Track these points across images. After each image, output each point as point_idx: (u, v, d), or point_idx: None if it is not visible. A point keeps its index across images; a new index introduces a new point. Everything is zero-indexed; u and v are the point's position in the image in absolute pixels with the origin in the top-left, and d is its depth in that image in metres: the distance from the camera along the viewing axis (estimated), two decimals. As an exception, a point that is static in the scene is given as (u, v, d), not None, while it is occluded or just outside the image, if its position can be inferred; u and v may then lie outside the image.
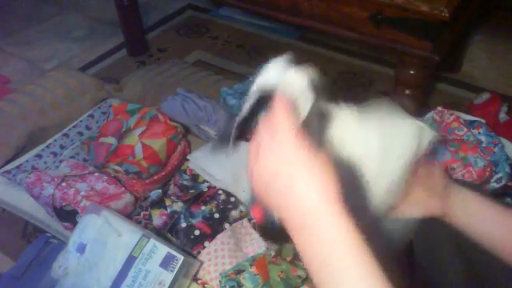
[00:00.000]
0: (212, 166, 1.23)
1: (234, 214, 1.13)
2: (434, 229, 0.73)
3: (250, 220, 1.16)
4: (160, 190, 1.20)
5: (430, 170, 0.62)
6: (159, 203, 1.16)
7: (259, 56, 1.90)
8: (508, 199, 1.14)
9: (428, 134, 0.60)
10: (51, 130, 1.42)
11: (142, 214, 1.21)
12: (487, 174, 1.09)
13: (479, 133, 1.17)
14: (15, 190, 1.25)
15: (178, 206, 1.14)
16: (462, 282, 0.73)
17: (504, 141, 1.19)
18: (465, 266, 0.72)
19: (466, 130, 1.16)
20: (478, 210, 0.63)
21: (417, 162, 0.59)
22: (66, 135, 1.41)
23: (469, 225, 0.63)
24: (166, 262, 0.95)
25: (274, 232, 0.53)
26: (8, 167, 1.32)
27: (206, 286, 1.03)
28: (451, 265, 0.73)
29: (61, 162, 1.31)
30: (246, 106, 0.56)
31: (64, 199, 1.12)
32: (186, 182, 1.23)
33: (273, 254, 1.02)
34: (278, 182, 0.47)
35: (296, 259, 1.01)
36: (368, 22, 1.15)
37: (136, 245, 0.97)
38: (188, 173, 1.27)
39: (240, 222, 1.14)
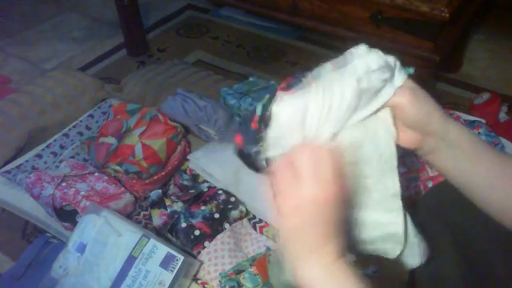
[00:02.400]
0: (212, 166, 1.23)
1: (234, 213, 1.13)
2: (434, 229, 0.73)
3: (250, 220, 1.16)
4: (160, 190, 1.20)
5: (394, 97, 0.55)
6: (159, 203, 1.16)
7: (259, 56, 1.90)
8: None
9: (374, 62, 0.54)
10: (51, 130, 1.42)
11: (142, 214, 1.21)
12: (487, 174, 1.09)
13: (479, 133, 1.17)
14: (15, 190, 1.25)
15: (178, 206, 1.14)
16: (462, 282, 0.73)
17: (504, 141, 1.19)
18: (465, 266, 0.72)
19: (466, 129, 1.16)
20: (469, 158, 0.57)
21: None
22: (65, 135, 1.41)
23: (452, 170, 0.58)
24: (166, 262, 0.95)
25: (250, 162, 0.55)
26: (8, 167, 1.32)
27: (206, 286, 1.03)
28: (451, 265, 0.73)
29: (61, 162, 1.31)
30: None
31: (64, 199, 1.12)
32: (185, 182, 1.23)
33: (273, 253, 1.02)
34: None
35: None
36: (368, 21, 1.15)
37: (136, 245, 0.97)
38: (188, 173, 1.27)
39: (240, 222, 1.14)
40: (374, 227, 0.59)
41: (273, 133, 0.52)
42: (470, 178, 0.58)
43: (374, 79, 0.53)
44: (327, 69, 0.54)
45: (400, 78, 0.56)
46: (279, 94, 0.53)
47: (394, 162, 0.57)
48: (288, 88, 0.54)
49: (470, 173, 0.58)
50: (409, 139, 0.57)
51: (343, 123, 0.53)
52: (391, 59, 0.56)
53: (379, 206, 0.58)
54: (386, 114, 0.56)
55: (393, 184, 0.58)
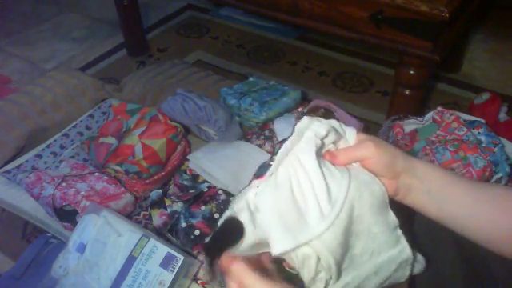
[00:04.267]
0: (212, 166, 1.23)
1: (234, 214, 1.13)
2: (435, 229, 0.73)
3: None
4: (160, 190, 1.20)
5: (358, 152, 0.57)
6: (159, 203, 1.16)
7: (259, 56, 1.90)
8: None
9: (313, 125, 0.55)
10: (51, 130, 1.42)
11: (141, 214, 1.21)
12: (487, 173, 1.09)
13: (479, 133, 1.17)
14: (15, 190, 1.25)
15: (178, 206, 1.14)
16: (462, 282, 0.73)
17: (504, 141, 1.19)
18: (464, 266, 0.72)
19: (466, 130, 1.16)
20: (442, 188, 0.58)
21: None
22: (66, 135, 1.41)
23: (430, 204, 0.58)
24: (166, 262, 0.95)
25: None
26: (8, 167, 1.32)
27: (206, 286, 1.03)
28: (451, 265, 0.73)
29: (61, 162, 1.31)
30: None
31: (64, 199, 1.12)
32: (185, 182, 1.23)
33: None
34: None
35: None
36: (368, 21, 1.15)
37: (136, 245, 0.97)
38: (188, 173, 1.27)
39: (240, 222, 1.13)
40: (389, 264, 0.58)
41: (272, 225, 0.50)
42: (449, 209, 0.59)
43: (327, 143, 0.56)
44: (287, 149, 0.54)
45: (351, 134, 0.58)
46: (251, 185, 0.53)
47: (386, 197, 0.57)
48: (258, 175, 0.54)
49: (447, 204, 0.58)
50: (385, 187, 0.58)
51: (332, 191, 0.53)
52: (334, 122, 0.57)
53: (388, 244, 0.58)
54: (356, 166, 0.57)
55: (392, 217, 0.58)
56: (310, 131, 0.54)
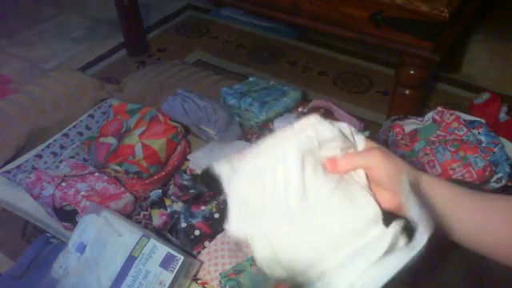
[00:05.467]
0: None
1: (234, 213, 1.13)
2: (435, 230, 0.73)
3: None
4: (160, 190, 1.20)
5: (364, 160, 0.54)
6: (159, 203, 1.16)
7: (259, 56, 1.90)
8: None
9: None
10: (51, 130, 1.42)
11: (142, 214, 1.21)
12: (487, 173, 1.09)
13: (479, 133, 1.17)
14: (15, 190, 1.25)
15: (178, 206, 1.14)
16: (462, 284, 0.73)
17: (504, 141, 1.19)
18: (465, 267, 0.72)
19: (466, 130, 1.16)
20: (449, 204, 0.55)
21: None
22: (65, 135, 1.41)
23: (436, 220, 0.54)
24: (166, 262, 0.95)
25: None
26: (8, 167, 1.32)
27: (206, 286, 1.03)
28: (452, 267, 0.73)
29: (61, 162, 1.31)
30: None
31: (64, 199, 1.12)
32: (185, 182, 1.23)
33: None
34: None
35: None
36: (368, 21, 1.15)
37: (136, 245, 0.97)
38: (188, 173, 1.27)
39: (240, 222, 1.13)
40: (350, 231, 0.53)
41: (233, 206, 0.51)
42: (459, 227, 0.56)
43: (328, 148, 0.53)
44: (281, 137, 0.52)
45: (360, 141, 0.55)
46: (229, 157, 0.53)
47: (380, 222, 0.53)
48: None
49: (452, 218, 0.56)
50: (388, 200, 0.55)
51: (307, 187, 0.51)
52: (345, 127, 0.54)
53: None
54: (359, 177, 0.55)
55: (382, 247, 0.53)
56: (311, 130, 0.52)
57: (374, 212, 0.53)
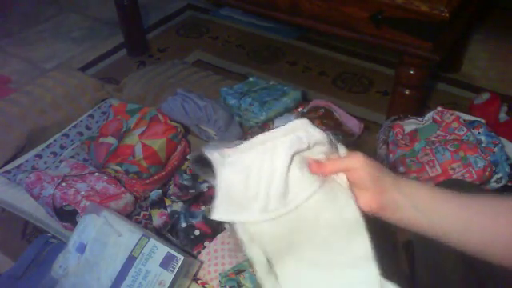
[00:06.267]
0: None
1: (234, 214, 1.13)
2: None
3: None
4: (160, 190, 1.20)
5: (347, 162, 0.57)
6: (159, 203, 1.16)
7: (259, 56, 1.90)
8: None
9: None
10: (51, 130, 1.42)
11: (142, 214, 1.21)
12: (487, 173, 1.09)
13: (479, 133, 1.17)
14: (15, 190, 1.25)
15: (178, 206, 1.14)
16: (463, 283, 0.73)
17: (504, 141, 1.19)
18: (465, 267, 0.72)
19: (466, 130, 1.16)
20: (429, 204, 0.57)
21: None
22: (65, 135, 1.41)
23: (419, 221, 0.57)
24: (166, 262, 0.95)
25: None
26: (8, 167, 1.32)
27: (206, 286, 1.03)
28: (452, 266, 0.73)
29: (61, 162, 1.31)
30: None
31: (64, 199, 1.12)
32: (186, 182, 1.23)
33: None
34: None
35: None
36: (368, 21, 1.15)
37: (136, 245, 0.97)
38: (188, 173, 1.27)
39: (240, 222, 1.13)
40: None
41: (219, 193, 0.54)
42: (442, 225, 0.58)
43: (315, 151, 0.56)
44: (272, 135, 0.54)
45: (342, 148, 0.58)
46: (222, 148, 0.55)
47: (361, 226, 0.56)
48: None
49: (434, 218, 0.57)
50: (369, 201, 0.57)
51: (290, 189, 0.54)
52: (329, 134, 0.57)
53: (346, 265, 0.57)
54: (341, 181, 0.57)
55: (360, 244, 0.56)
56: (302, 132, 0.54)
57: (355, 215, 0.56)
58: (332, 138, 0.57)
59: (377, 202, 0.57)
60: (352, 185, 0.57)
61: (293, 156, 0.53)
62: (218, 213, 0.54)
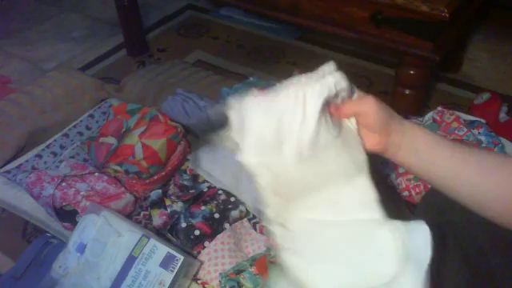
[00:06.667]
0: (212, 166, 1.23)
1: (234, 214, 1.13)
2: (435, 229, 0.73)
3: (249, 220, 1.16)
4: (160, 190, 1.20)
5: (360, 106, 0.61)
6: (159, 203, 1.16)
7: (259, 56, 1.90)
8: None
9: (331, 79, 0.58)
10: (51, 130, 1.42)
11: (142, 214, 1.21)
12: (487, 173, 1.09)
13: (479, 133, 1.17)
14: (15, 190, 1.25)
15: (178, 206, 1.14)
16: (463, 282, 0.73)
17: (504, 141, 1.19)
18: (465, 266, 0.72)
19: (465, 130, 1.16)
20: (428, 149, 0.61)
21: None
22: (66, 135, 1.41)
23: (417, 164, 0.62)
24: (166, 262, 0.95)
25: None
26: (8, 167, 1.32)
27: (206, 286, 1.03)
28: (452, 265, 0.73)
29: (61, 162, 1.31)
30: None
31: (64, 199, 1.12)
32: (186, 182, 1.23)
33: (273, 254, 1.02)
34: None
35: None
36: (368, 21, 1.15)
37: (136, 245, 0.97)
38: (188, 173, 1.27)
39: (240, 221, 1.14)
40: (356, 225, 0.60)
41: (249, 136, 0.56)
42: (434, 170, 0.62)
43: (342, 94, 0.59)
44: (301, 80, 0.57)
45: (355, 90, 0.62)
46: (252, 92, 0.56)
47: (366, 168, 0.61)
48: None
49: (431, 164, 0.61)
50: (376, 142, 0.62)
51: (317, 131, 0.56)
52: (344, 77, 0.61)
53: (356, 208, 0.60)
54: (351, 126, 0.61)
55: (368, 189, 0.61)
56: (331, 78, 0.57)
57: (363, 159, 0.61)
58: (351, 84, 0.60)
59: (382, 144, 0.62)
60: (362, 126, 0.61)
61: (322, 103, 0.55)
62: (249, 155, 0.55)
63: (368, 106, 0.60)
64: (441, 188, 0.62)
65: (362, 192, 0.60)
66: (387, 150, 0.62)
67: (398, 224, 0.58)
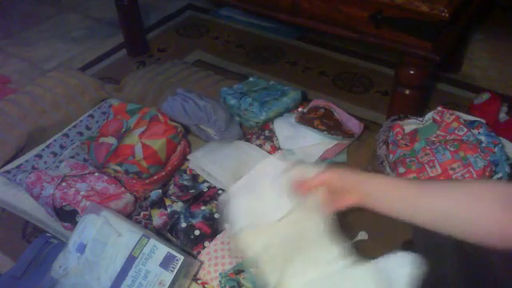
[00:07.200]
0: (212, 166, 1.23)
1: (234, 214, 1.13)
2: (434, 232, 0.73)
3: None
4: (160, 190, 1.20)
5: (322, 177, 0.69)
6: (159, 203, 1.16)
7: (259, 56, 1.90)
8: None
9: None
10: (51, 130, 1.42)
11: (142, 214, 1.21)
12: (487, 174, 1.09)
13: (479, 133, 1.17)
14: (15, 190, 1.25)
15: (178, 206, 1.14)
16: (463, 282, 0.73)
17: (504, 141, 1.19)
18: (465, 266, 0.72)
19: (465, 130, 1.16)
20: (383, 192, 0.68)
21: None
22: (66, 135, 1.41)
23: (380, 207, 0.67)
24: (166, 262, 0.95)
25: None
26: (8, 167, 1.32)
27: (206, 286, 1.03)
28: (452, 265, 0.73)
29: (61, 162, 1.31)
30: None
31: (64, 199, 1.12)
32: (186, 182, 1.23)
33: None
34: None
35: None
36: (368, 22, 1.15)
37: (136, 245, 0.97)
38: (188, 173, 1.27)
39: (240, 222, 1.13)
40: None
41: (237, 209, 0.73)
42: (402, 209, 0.67)
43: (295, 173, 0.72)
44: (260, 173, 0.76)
45: (319, 167, 0.73)
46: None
47: (328, 227, 0.71)
48: None
49: (399, 205, 0.67)
50: (350, 200, 0.70)
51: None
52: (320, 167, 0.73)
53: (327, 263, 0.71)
54: (317, 195, 0.71)
55: (334, 242, 0.71)
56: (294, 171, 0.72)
57: (325, 219, 0.71)
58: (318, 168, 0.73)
59: (355, 199, 0.69)
60: (334, 194, 0.70)
61: (277, 183, 0.71)
62: (239, 221, 0.71)
63: (328, 175, 0.69)
64: (423, 225, 0.66)
65: (330, 245, 0.70)
66: (365, 202, 0.69)
67: (377, 260, 0.67)
